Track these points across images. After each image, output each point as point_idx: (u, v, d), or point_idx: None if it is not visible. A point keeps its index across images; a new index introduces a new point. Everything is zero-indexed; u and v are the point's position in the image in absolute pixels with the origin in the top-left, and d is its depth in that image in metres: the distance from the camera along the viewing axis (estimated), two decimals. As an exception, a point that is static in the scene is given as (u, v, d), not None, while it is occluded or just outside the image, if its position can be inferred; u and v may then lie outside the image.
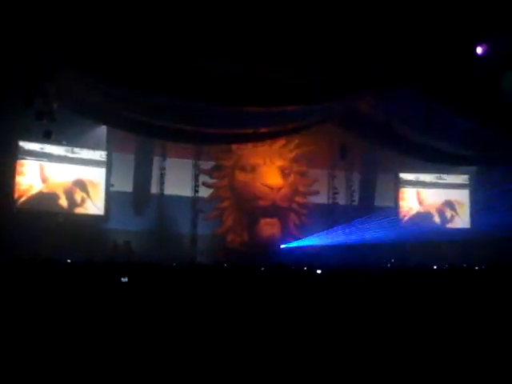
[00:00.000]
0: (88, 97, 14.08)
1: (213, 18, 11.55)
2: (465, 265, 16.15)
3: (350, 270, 12.49)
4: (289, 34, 12.12)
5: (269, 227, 18.95)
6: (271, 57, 12.37)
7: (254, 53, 12.30)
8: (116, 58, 11.98)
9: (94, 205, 17.34)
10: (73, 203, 17.08)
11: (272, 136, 17.46)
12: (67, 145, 16.83)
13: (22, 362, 5.74)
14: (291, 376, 5.54)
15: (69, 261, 13.73)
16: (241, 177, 18.91)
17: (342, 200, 20.04)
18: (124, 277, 11.61)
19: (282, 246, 18.93)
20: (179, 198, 18.21)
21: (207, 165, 18.94)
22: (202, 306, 9.10)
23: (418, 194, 20.84)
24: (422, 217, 20.75)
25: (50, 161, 16.72)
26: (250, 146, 18.72)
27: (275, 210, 18.85)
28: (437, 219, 20.75)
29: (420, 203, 20.85)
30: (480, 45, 13.24)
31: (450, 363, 5.72)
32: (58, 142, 16.43)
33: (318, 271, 14.27)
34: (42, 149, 16.54)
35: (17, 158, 16.13)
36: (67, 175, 17.01)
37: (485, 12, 12.10)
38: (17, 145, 16.13)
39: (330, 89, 13.97)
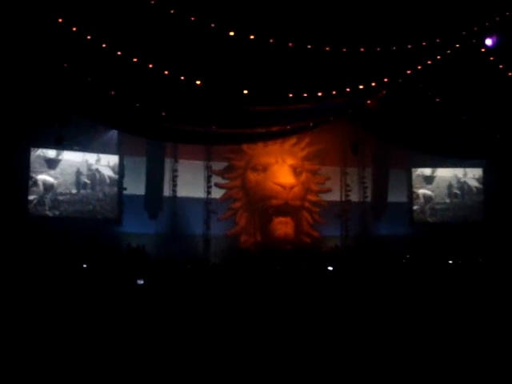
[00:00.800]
0: (98, 102, 14.13)
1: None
2: (480, 259, 16.15)
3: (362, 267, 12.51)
4: (299, 31, 12.09)
5: (282, 226, 18.92)
6: (280, 54, 12.34)
7: (263, 52, 12.29)
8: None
9: (107, 208, 17.43)
10: (85, 206, 17.17)
11: (283, 135, 17.40)
12: (79, 150, 16.93)
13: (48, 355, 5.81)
14: (307, 370, 5.55)
15: (84, 266, 13.89)
16: (253, 176, 18.91)
17: (354, 197, 19.96)
18: (140, 279, 11.71)
19: None
20: (192, 200, 18.19)
21: (219, 166, 18.92)
22: (216, 306, 9.12)
23: (431, 188, 20.76)
24: (435, 211, 20.65)
25: (62, 165, 16.82)
26: (261, 145, 18.70)
27: (288, 209, 18.83)
28: (450, 213, 20.63)
29: (433, 197, 20.75)
30: (490, 37, 13.13)
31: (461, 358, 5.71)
32: (70, 147, 16.51)
33: (330, 268, 14.27)
34: (54, 154, 16.69)
35: (29, 163, 16.22)
36: (80, 179, 17.10)
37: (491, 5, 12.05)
38: (29, 150, 16.25)
39: (340, 89, 13.92)
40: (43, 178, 16.62)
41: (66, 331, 7.23)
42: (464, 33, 12.63)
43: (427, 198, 20.76)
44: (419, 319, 7.85)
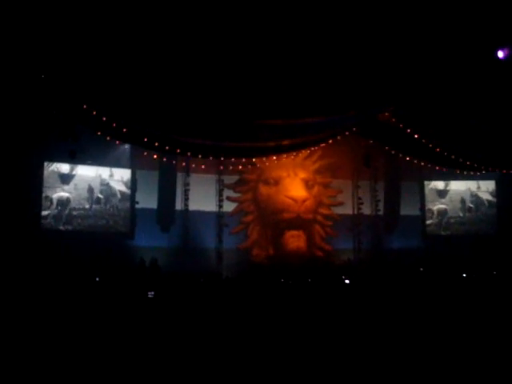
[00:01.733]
0: (110, 116, 14.24)
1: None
2: (495, 272, 16.01)
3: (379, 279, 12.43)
4: (310, 45, 12.16)
5: (294, 240, 18.88)
6: (291, 69, 12.42)
7: (274, 66, 12.37)
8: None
9: (120, 222, 17.51)
10: (98, 221, 17.25)
11: (294, 148, 17.40)
12: (92, 164, 17.04)
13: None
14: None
15: (97, 279, 13.91)
16: (264, 190, 18.92)
17: (367, 210, 19.89)
18: (150, 292, 11.73)
19: None
20: (204, 214, 18.23)
21: (230, 179, 18.95)
22: (229, 319, 9.10)
23: (444, 202, 20.66)
24: (449, 225, 20.54)
25: (75, 180, 16.95)
26: (272, 158, 18.69)
27: (300, 223, 18.80)
28: (463, 227, 20.51)
29: (447, 211, 20.65)
30: (502, 49, 13.13)
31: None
32: (83, 162, 16.63)
33: (347, 281, 14.22)
34: (68, 169, 16.83)
35: (43, 178, 16.35)
36: (92, 193, 17.20)
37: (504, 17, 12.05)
38: (43, 165, 16.38)
39: (350, 103, 13.98)
40: (57, 193, 16.74)
41: (78, 344, 7.24)
42: (476, 45, 12.64)
43: (441, 212, 20.66)
44: (432, 331, 7.80)
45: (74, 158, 15.17)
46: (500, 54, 13.07)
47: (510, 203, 19.61)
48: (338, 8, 11.89)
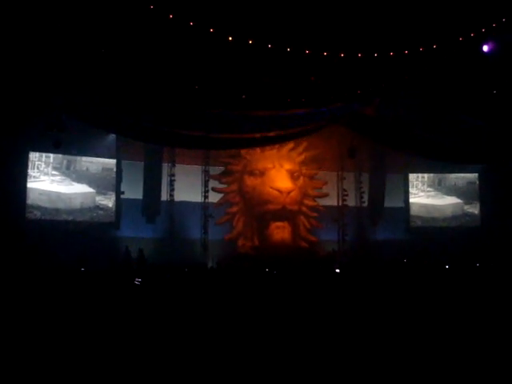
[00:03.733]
0: (96, 106, 14.19)
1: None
2: (478, 264, 16.20)
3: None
4: (296, 37, 12.17)
5: (279, 231, 18.98)
6: (277, 60, 12.42)
7: (261, 58, 12.37)
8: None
9: (105, 212, 17.48)
10: (84, 211, 17.21)
11: (280, 140, 17.48)
12: (77, 154, 16.96)
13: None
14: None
15: (82, 269, 13.91)
16: (250, 181, 18.96)
17: (351, 202, 20.03)
18: (138, 279, 11.78)
19: None
20: (189, 204, 18.25)
21: (216, 170, 19.00)
22: (214, 309, 9.15)
23: (428, 193, 20.83)
24: (432, 216, 20.73)
25: (60, 170, 16.88)
26: (258, 150, 18.76)
27: (285, 214, 18.88)
28: (446, 218, 20.72)
29: (429, 202, 20.83)
30: (486, 43, 13.24)
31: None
32: (68, 152, 16.55)
33: (337, 270, 14.38)
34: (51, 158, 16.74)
35: (27, 168, 16.25)
36: (78, 183, 17.15)
37: (489, 11, 12.14)
38: (27, 155, 16.27)
39: (336, 95, 14.03)
40: (42, 182, 16.66)
41: (63, 335, 7.24)
42: (461, 38, 12.72)
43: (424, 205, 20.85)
44: (416, 323, 7.89)
45: (59, 148, 15.13)
46: (485, 48, 13.19)
47: (493, 195, 19.81)
48: (324, 1, 11.91)
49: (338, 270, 15.17)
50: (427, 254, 17.73)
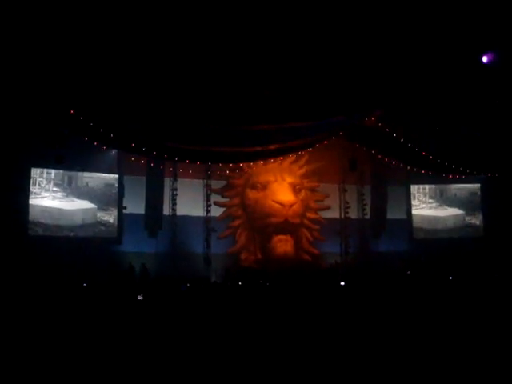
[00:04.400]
0: (98, 122, 14.21)
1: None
2: (480, 275, 16.14)
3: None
4: (296, 50, 12.23)
5: (282, 244, 18.93)
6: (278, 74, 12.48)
7: (261, 72, 12.43)
8: None
9: (107, 228, 17.46)
10: (86, 227, 17.19)
11: (281, 153, 17.48)
12: (79, 169, 16.98)
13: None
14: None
15: (85, 284, 13.87)
16: (252, 195, 18.95)
17: (353, 214, 19.99)
18: (140, 295, 11.75)
19: None
20: (191, 218, 18.21)
21: (218, 184, 18.96)
22: (217, 323, 9.12)
23: (429, 204, 20.80)
24: (434, 228, 20.68)
25: (61, 186, 16.88)
26: (260, 163, 18.75)
27: (287, 227, 18.85)
28: (449, 230, 20.66)
29: (431, 214, 20.79)
30: (486, 54, 13.29)
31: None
32: (70, 167, 16.57)
33: (342, 283, 14.36)
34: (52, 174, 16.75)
35: (30, 184, 16.25)
36: (79, 199, 17.14)
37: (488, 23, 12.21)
38: (29, 171, 16.27)
39: (337, 107, 14.08)
40: (43, 199, 16.66)
41: (66, 349, 7.22)
42: (461, 50, 12.80)
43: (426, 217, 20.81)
44: (420, 334, 7.87)
45: (61, 164, 15.13)
46: (484, 59, 13.24)
47: (495, 206, 19.77)
48: (325, 14, 11.98)
49: (342, 283, 15.14)
50: (430, 265, 17.69)
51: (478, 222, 20.71)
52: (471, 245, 19.33)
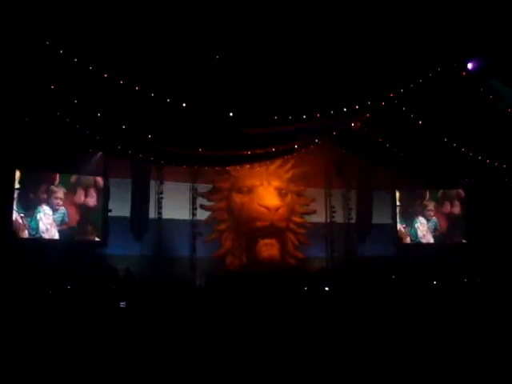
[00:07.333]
0: (83, 124, 14.13)
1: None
2: (465, 280, 16.29)
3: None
4: (283, 53, 12.24)
5: (267, 248, 18.91)
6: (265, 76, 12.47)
7: (248, 74, 12.42)
8: None
9: (92, 231, 17.36)
10: (70, 230, 17.08)
11: (268, 157, 17.49)
12: (64, 172, 16.88)
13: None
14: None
15: (68, 287, 13.80)
16: (238, 198, 18.95)
17: (339, 218, 20.06)
18: (122, 302, 11.67)
19: None
20: (177, 222, 18.19)
21: (204, 188, 18.95)
22: (202, 327, 9.10)
23: (415, 209, 20.89)
24: (419, 233, 20.77)
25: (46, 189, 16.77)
26: (246, 167, 18.75)
27: (273, 231, 18.83)
28: (433, 235, 20.75)
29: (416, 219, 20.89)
30: (471, 61, 13.40)
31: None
32: (55, 170, 16.46)
33: (326, 288, 14.38)
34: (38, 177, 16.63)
35: (14, 187, 16.12)
36: (65, 202, 17.03)
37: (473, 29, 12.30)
38: (14, 174, 16.13)
39: (323, 111, 14.07)
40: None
41: (50, 353, 7.18)
42: (446, 56, 12.88)
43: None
44: (406, 339, 7.90)
45: (46, 166, 15.06)
46: (469, 66, 13.34)
47: (479, 211, 19.90)
48: (312, 18, 12.00)
49: (327, 288, 15.13)
50: (415, 270, 17.77)
51: (461, 227, 20.81)
52: (454, 250, 19.49)
